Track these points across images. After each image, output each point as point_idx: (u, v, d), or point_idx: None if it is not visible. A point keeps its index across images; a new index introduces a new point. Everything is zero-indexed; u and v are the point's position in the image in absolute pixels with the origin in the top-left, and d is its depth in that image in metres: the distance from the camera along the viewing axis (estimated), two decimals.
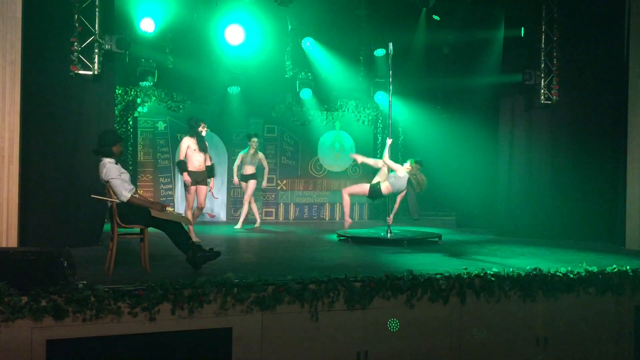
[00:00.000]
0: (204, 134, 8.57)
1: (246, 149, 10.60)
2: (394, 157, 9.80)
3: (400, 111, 12.82)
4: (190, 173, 8.35)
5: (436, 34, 10.72)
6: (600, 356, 6.15)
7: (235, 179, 10.71)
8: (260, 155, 10.69)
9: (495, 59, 10.36)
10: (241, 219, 10.60)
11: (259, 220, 10.78)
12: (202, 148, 8.47)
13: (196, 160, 8.40)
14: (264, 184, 10.93)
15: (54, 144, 7.52)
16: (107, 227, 6.98)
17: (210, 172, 8.61)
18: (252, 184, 10.55)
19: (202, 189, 8.46)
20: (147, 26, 9.68)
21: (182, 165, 8.38)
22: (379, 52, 11.97)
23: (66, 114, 7.66)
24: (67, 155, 7.66)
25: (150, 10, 9.61)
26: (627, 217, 8.55)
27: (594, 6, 9.38)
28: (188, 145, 8.41)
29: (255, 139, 10.57)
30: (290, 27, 11.31)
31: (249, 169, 10.56)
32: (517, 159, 10.03)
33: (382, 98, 12.48)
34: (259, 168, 10.70)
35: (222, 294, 4.95)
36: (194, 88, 11.51)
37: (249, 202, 10.71)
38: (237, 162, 10.69)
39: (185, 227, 6.19)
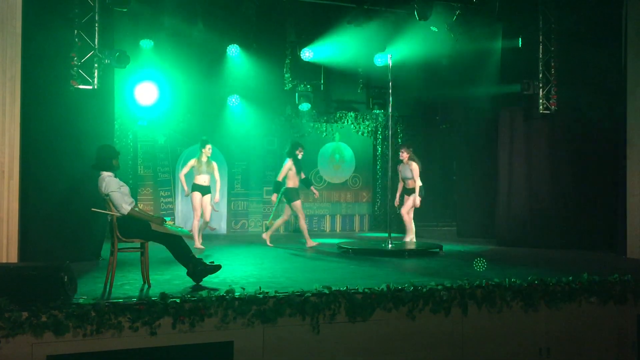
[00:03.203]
0: (300, 157, 9.70)
1: (198, 155, 9.40)
2: (394, 167, 9.85)
3: (400, 121, 12.84)
4: (292, 190, 9.60)
5: (434, 44, 10.76)
6: None
7: (187, 189, 9.36)
8: (214, 164, 9.48)
9: (494, 69, 10.41)
10: (198, 235, 9.37)
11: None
12: (299, 171, 9.69)
13: (296, 180, 9.67)
14: (217, 197, 9.51)
15: (54, 159, 7.51)
16: (107, 241, 6.97)
17: (307, 183, 10.05)
18: (208, 198, 9.37)
19: (299, 202, 9.75)
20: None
21: (278, 186, 9.59)
22: (378, 64, 12.01)
23: (66, 128, 7.66)
24: (68, 169, 7.66)
25: (149, 25, 9.67)
26: (628, 226, 8.54)
27: (591, 16, 9.41)
28: (290, 167, 9.54)
29: (209, 146, 9.43)
30: (289, 40, 11.38)
31: (205, 179, 9.35)
32: (516, 169, 10.03)
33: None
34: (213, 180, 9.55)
35: (223, 308, 4.94)
36: (194, 101, 11.52)
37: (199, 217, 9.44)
38: (186, 169, 9.36)
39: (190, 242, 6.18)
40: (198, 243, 9.17)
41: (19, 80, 6.55)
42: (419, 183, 9.53)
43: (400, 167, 9.78)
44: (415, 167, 9.56)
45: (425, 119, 12.92)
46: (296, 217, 9.81)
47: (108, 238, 6.38)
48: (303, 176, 9.89)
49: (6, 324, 4.40)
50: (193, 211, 9.44)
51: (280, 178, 9.58)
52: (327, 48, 11.46)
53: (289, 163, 9.60)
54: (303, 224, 9.76)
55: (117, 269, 5.83)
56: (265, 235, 9.78)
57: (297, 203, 9.64)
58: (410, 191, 9.63)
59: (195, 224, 9.36)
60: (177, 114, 11.47)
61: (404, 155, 9.66)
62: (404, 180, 9.76)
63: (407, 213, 9.69)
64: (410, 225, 9.75)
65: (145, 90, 10.75)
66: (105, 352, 4.66)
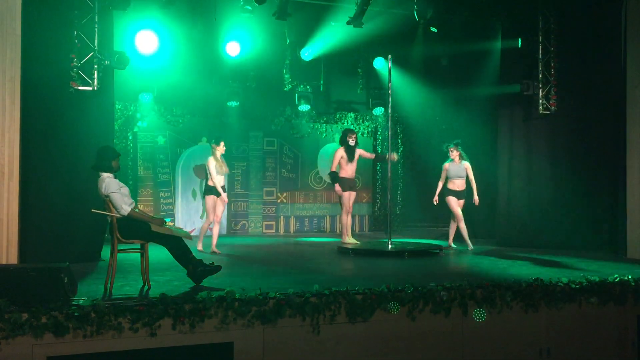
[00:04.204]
0: (351, 143, 9.45)
1: (211, 154, 8.82)
2: (394, 168, 9.84)
3: (399, 122, 12.84)
4: (343, 180, 9.41)
5: (434, 45, 10.76)
6: None
7: (223, 193, 8.85)
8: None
9: (493, 69, 10.42)
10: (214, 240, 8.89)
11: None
12: (351, 158, 9.47)
13: (349, 169, 9.48)
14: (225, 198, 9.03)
15: (53, 160, 7.52)
16: (107, 242, 6.97)
17: (381, 158, 10.01)
18: (221, 199, 8.85)
19: (354, 194, 9.61)
20: (147, 47, 9.67)
21: (335, 176, 9.48)
22: (378, 64, 12.01)
23: (66, 129, 7.67)
24: (67, 170, 7.67)
25: (149, 26, 9.62)
26: (628, 226, 8.54)
27: (591, 16, 9.43)
28: (342, 155, 9.42)
29: (223, 142, 8.88)
30: (288, 41, 11.37)
31: (221, 179, 8.82)
32: (516, 170, 10.03)
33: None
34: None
35: (223, 308, 4.94)
36: (194, 102, 11.52)
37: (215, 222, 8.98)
38: (214, 171, 8.72)
39: (188, 241, 6.17)
40: (214, 247, 8.76)
41: (18, 81, 6.54)
42: (474, 182, 9.33)
43: (449, 166, 9.39)
44: (469, 166, 9.35)
45: (425, 119, 12.91)
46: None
47: (108, 239, 6.38)
48: (373, 156, 10.09)
49: (6, 325, 4.40)
50: (207, 214, 8.89)
51: (333, 168, 9.46)
52: (327, 49, 11.45)
53: (340, 150, 9.47)
54: (344, 218, 9.60)
55: (117, 270, 5.83)
56: (347, 240, 9.59)
57: (345, 194, 9.44)
58: (459, 193, 9.32)
59: (205, 227, 9.00)
60: (176, 114, 11.47)
61: (455, 154, 9.36)
62: (452, 179, 9.36)
63: (462, 219, 9.37)
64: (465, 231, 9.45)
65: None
66: (105, 353, 4.66)
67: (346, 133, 9.66)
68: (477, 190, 9.33)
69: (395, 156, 9.49)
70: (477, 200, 9.37)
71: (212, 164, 8.71)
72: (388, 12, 10.17)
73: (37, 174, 7.28)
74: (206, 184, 8.87)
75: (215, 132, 10.74)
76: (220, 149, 8.83)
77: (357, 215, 12.97)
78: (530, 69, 9.78)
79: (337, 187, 9.54)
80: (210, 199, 8.79)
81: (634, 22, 8.56)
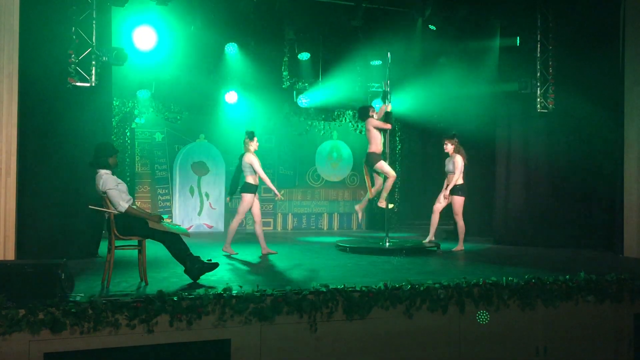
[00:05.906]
0: (374, 116, 9.25)
1: (245, 150, 8.41)
2: (392, 165, 9.80)
3: (397, 120, 12.84)
4: (373, 154, 9.13)
5: (432, 43, 10.75)
6: None
7: (274, 188, 8.51)
8: None
9: (492, 68, 10.39)
10: (263, 243, 8.55)
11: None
12: (384, 131, 9.31)
13: (381, 144, 9.21)
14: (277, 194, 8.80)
15: (51, 156, 7.51)
16: (104, 239, 6.96)
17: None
18: (257, 198, 8.52)
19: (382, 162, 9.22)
20: (145, 43, 9.56)
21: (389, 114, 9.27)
22: (376, 62, 12.00)
23: (63, 125, 7.66)
24: (65, 167, 7.65)
25: (147, 23, 9.59)
26: (625, 225, 8.56)
27: (589, 15, 9.43)
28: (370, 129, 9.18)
29: (256, 138, 8.52)
30: (287, 38, 11.36)
31: (255, 179, 8.40)
32: (514, 168, 10.04)
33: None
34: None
35: (220, 305, 4.94)
36: (192, 99, 11.50)
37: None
38: (259, 166, 8.29)
39: (184, 238, 6.16)
40: (229, 247, 8.38)
41: (16, 77, 6.53)
42: (459, 181, 8.77)
43: (446, 160, 9.10)
44: (458, 160, 8.79)
45: (423, 117, 12.90)
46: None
47: (105, 236, 6.37)
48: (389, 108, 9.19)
49: (3, 322, 4.40)
50: (237, 214, 8.37)
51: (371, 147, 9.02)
52: (325, 45, 11.44)
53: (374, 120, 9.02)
54: (389, 184, 9.02)
55: (115, 266, 5.83)
56: (381, 203, 9.16)
57: (381, 163, 8.96)
58: (453, 188, 8.86)
59: (234, 227, 8.38)
60: (174, 111, 11.45)
61: (449, 147, 8.94)
62: (446, 174, 9.07)
63: (460, 218, 8.90)
64: (462, 233, 9.01)
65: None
66: (102, 349, 4.66)
67: (367, 108, 9.23)
68: (453, 186, 8.79)
69: (388, 107, 9.19)
70: (445, 196, 8.89)
71: (255, 159, 8.23)
72: (387, 9, 10.16)
73: (34, 170, 7.26)
74: (245, 181, 8.30)
75: (213, 129, 10.75)
76: (254, 144, 8.37)
77: (355, 213, 12.97)
78: (528, 67, 9.79)
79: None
80: (249, 197, 8.27)
81: (633, 21, 8.57)
